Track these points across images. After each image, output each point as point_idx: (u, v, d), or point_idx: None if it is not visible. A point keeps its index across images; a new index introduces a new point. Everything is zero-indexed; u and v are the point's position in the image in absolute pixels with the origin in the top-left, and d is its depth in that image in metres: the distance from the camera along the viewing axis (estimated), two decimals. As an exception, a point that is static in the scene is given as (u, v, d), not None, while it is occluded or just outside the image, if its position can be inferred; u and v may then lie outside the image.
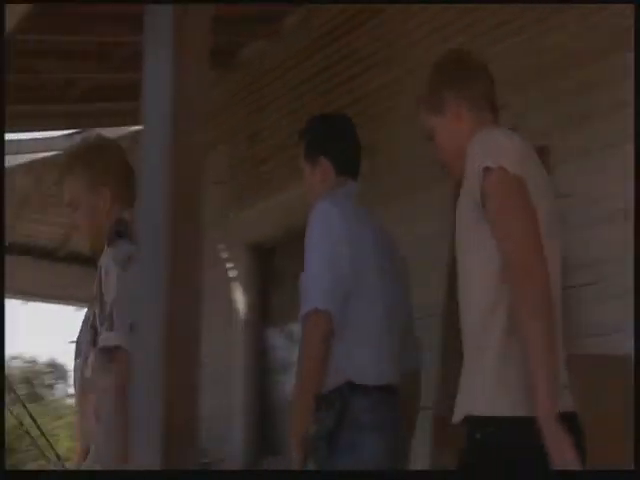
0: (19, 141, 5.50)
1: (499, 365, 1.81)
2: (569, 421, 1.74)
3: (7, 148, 5.56)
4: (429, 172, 2.99)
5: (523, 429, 1.73)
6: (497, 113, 2.09)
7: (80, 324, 2.34)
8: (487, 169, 1.79)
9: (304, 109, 3.95)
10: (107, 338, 2.13)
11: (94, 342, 2.19)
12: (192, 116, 1.52)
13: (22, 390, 19.58)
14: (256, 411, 4.31)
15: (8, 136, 5.30)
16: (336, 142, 2.67)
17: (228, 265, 4.50)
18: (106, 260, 2.20)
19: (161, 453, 1.36)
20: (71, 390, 26.86)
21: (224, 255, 4.55)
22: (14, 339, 20.24)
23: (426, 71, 2.19)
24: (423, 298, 2.85)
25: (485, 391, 1.82)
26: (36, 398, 22.69)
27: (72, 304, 8.22)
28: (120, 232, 2.24)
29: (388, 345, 2.42)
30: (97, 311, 2.20)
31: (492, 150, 1.84)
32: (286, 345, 4.29)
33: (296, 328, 3.86)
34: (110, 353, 2.12)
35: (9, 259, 6.69)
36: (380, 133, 3.61)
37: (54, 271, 7.11)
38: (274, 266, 4.46)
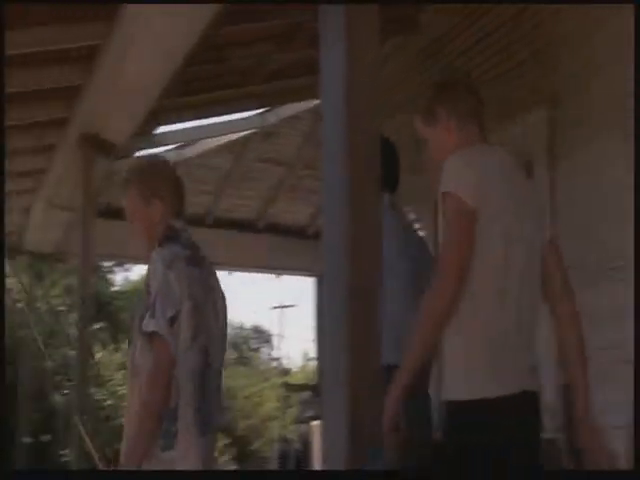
0: (218, 124, 5.93)
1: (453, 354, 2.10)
2: (529, 400, 2.04)
3: (209, 131, 6.06)
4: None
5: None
6: (483, 130, 2.34)
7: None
8: (443, 194, 2.10)
9: (482, 67, 4.02)
10: (147, 324, 2.32)
11: (140, 332, 2.40)
12: (365, 90, 1.68)
13: (232, 355, 20.96)
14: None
15: (210, 120, 5.79)
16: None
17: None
18: (154, 257, 2.44)
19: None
20: (274, 353, 28.19)
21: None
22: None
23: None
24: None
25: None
26: (244, 362, 24.24)
27: (272, 272, 8.72)
28: (168, 236, 2.50)
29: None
30: (145, 303, 2.40)
31: (452, 177, 2.14)
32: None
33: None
34: (150, 338, 2.33)
35: (214, 232, 7.26)
36: (564, 83, 3.62)
37: (254, 241, 7.57)
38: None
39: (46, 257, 8.01)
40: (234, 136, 6.34)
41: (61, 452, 7.32)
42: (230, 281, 17.82)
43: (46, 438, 8.37)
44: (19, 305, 8.40)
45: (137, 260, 10.70)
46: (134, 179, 2.59)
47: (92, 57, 3.60)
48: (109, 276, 17.05)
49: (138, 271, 18.14)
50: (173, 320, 2.30)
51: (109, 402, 9.52)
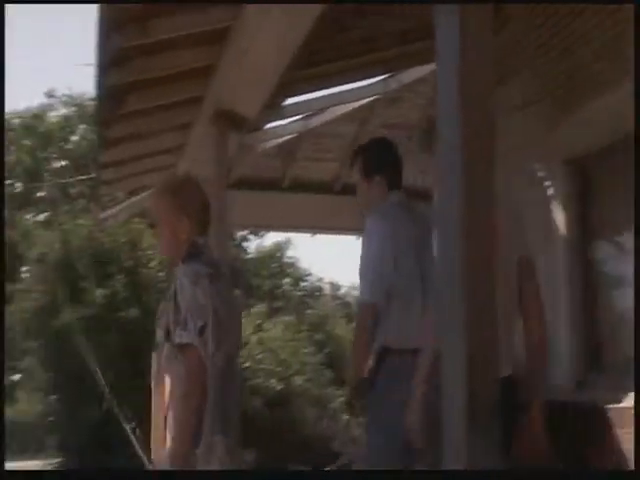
0: (343, 92, 6.03)
1: None
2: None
3: (334, 99, 6.17)
4: None
5: None
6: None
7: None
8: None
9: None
10: (181, 336, 2.57)
11: (168, 339, 2.64)
12: (479, 55, 1.73)
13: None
14: (582, 326, 4.35)
15: (334, 89, 5.90)
16: (388, 163, 3.44)
17: (546, 183, 4.56)
18: (180, 274, 2.67)
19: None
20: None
21: (541, 174, 4.62)
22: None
23: None
24: None
25: None
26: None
27: (350, 233, 8.76)
28: (192, 254, 2.70)
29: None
30: (171, 314, 2.64)
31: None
32: (613, 257, 4.26)
33: (623, 239, 3.92)
34: (183, 349, 2.58)
35: (342, 199, 7.39)
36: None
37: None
38: (592, 180, 4.43)
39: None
40: (358, 103, 6.41)
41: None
42: (313, 243, 17.93)
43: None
44: (160, 274, 8.89)
45: (269, 228, 11.07)
46: (168, 193, 2.79)
47: (223, 38, 3.79)
48: (244, 244, 17.63)
49: (271, 238, 18.68)
50: (202, 330, 2.56)
51: (246, 364, 9.91)
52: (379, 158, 3.46)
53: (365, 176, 3.44)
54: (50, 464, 11.96)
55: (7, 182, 17.00)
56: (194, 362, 2.55)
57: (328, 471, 5.13)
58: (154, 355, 2.78)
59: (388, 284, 3.23)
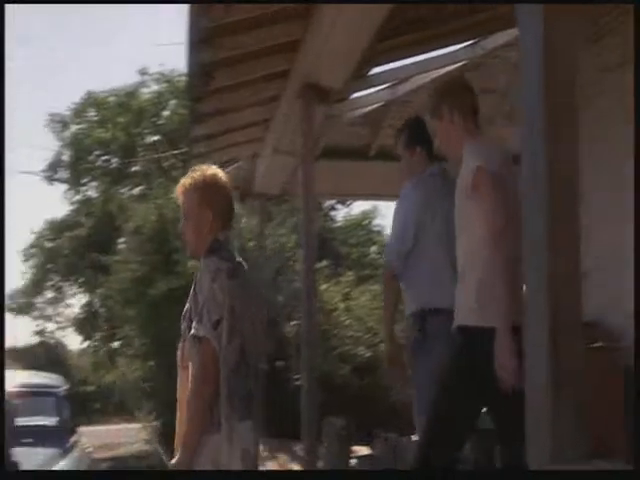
0: (428, 60, 5.99)
1: (477, 291, 2.89)
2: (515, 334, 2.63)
3: (419, 68, 6.15)
4: None
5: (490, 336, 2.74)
6: (478, 121, 3.14)
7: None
8: (475, 170, 2.89)
9: None
10: (197, 328, 2.71)
11: (189, 330, 2.76)
12: (564, 20, 1.74)
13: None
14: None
15: (419, 57, 5.88)
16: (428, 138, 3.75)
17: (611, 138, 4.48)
18: (201, 268, 2.81)
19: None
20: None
21: (609, 129, 4.53)
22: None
23: None
24: None
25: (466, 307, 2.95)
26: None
27: (385, 199, 8.66)
28: (213, 248, 2.82)
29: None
30: (192, 306, 2.78)
31: (476, 158, 2.94)
32: None
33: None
34: (198, 341, 2.71)
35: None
36: None
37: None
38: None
39: (274, 199, 8.59)
40: (444, 70, 6.36)
41: (294, 377, 7.89)
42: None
43: (280, 364, 8.97)
44: (250, 244, 9.08)
45: (357, 197, 11.13)
46: (193, 188, 2.89)
47: (308, 12, 3.85)
48: (331, 213, 17.77)
49: (358, 207, 18.76)
50: (217, 324, 2.70)
51: (334, 332, 10.04)
52: (420, 133, 3.83)
53: (407, 148, 3.82)
54: (148, 426, 12.48)
55: (103, 158, 17.65)
56: (207, 354, 2.70)
57: (329, 471, 5.33)
58: (180, 344, 2.92)
59: (407, 249, 3.61)
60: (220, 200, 2.91)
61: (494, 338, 2.76)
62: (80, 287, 17.56)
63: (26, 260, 19.18)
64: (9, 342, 29.07)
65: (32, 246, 18.64)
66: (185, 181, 2.93)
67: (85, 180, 17.59)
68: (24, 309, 27.40)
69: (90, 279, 16.23)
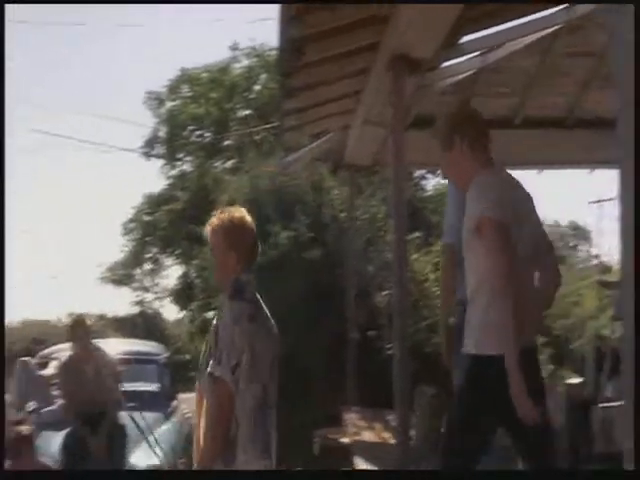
0: (521, 25, 5.85)
1: (483, 321, 3.02)
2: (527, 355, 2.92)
3: (512, 33, 6.02)
4: None
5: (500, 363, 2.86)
6: (489, 152, 3.20)
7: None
8: (480, 217, 2.99)
9: None
10: (214, 368, 2.87)
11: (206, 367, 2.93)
12: None
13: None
14: None
15: (512, 23, 5.76)
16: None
17: None
18: (225, 310, 2.98)
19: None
20: (593, 250, 26.99)
21: None
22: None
23: None
24: None
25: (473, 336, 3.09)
26: (560, 260, 23.77)
27: (584, 167, 8.46)
28: (237, 290, 2.99)
29: None
30: (212, 345, 2.93)
31: (482, 200, 3.02)
32: None
33: None
34: (215, 380, 2.87)
35: (523, 133, 7.25)
36: None
37: (565, 138, 7.35)
38: None
39: (364, 170, 8.61)
40: (537, 35, 6.21)
41: (386, 346, 7.94)
42: (541, 180, 17.40)
43: (372, 334, 9.03)
44: (342, 215, 9.14)
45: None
46: (221, 230, 3.05)
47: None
48: (422, 182, 17.64)
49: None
50: (235, 368, 2.85)
51: (425, 302, 10.02)
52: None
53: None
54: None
55: (197, 133, 18.03)
56: (224, 395, 2.86)
57: (329, 471, 5.36)
58: (197, 379, 3.10)
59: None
60: (244, 242, 3.07)
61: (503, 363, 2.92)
62: (177, 259, 18.09)
63: (126, 234, 19.88)
64: (111, 312, 30.23)
65: (131, 220, 19.29)
66: (213, 221, 3.09)
67: (180, 155, 18.04)
68: (124, 280, 28.41)
69: (186, 251, 16.70)
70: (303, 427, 7.10)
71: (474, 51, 6.23)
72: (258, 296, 3.06)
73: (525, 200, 3.19)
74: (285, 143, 7.79)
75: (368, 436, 6.12)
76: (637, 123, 1.82)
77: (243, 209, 3.19)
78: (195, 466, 3.01)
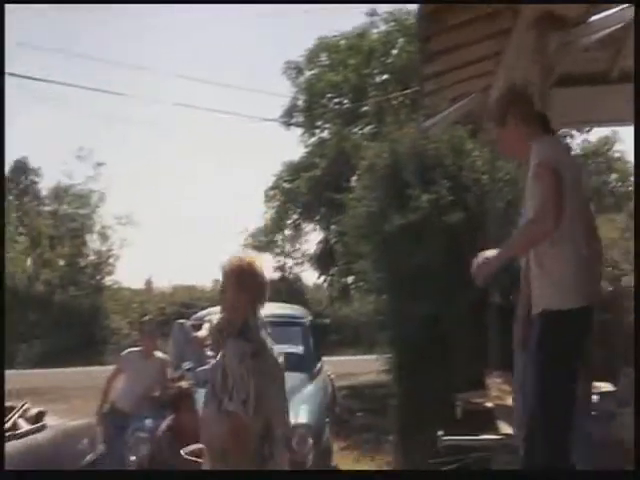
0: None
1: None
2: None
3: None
4: None
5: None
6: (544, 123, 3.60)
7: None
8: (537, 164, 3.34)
9: None
10: (228, 404, 3.26)
11: (213, 396, 3.32)
12: None
13: None
14: None
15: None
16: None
17: None
18: (229, 349, 3.31)
19: None
20: None
21: None
22: None
23: None
24: None
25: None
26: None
27: (626, 124, 7.94)
28: (242, 331, 3.31)
29: None
30: (219, 379, 3.30)
31: (541, 153, 3.37)
32: None
33: None
34: (229, 415, 3.25)
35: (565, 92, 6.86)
36: None
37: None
38: None
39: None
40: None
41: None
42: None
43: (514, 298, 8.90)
44: (483, 177, 9.01)
45: (595, 123, 10.58)
46: (234, 274, 3.39)
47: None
48: (568, 141, 17.05)
49: (596, 134, 17.82)
50: (245, 402, 3.23)
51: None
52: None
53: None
54: (382, 358, 12.96)
55: (335, 100, 18.18)
56: (238, 427, 3.26)
57: (332, 471, 5.25)
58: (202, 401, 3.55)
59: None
60: (256, 288, 3.42)
61: (577, 319, 3.32)
62: (317, 224, 18.43)
63: (267, 201, 20.41)
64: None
65: (272, 188, 19.78)
66: (225, 267, 3.46)
67: (319, 123, 18.26)
68: (266, 247, 29.25)
69: (326, 217, 16.99)
70: (445, 391, 7.16)
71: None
72: (264, 336, 3.41)
73: (579, 168, 3.64)
74: (424, 107, 7.76)
75: (511, 400, 6.09)
76: None
77: (255, 256, 3.62)
78: None
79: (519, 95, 3.72)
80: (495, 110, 3.71)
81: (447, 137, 9.20)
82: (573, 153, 3.90)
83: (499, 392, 6.36)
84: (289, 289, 28.97)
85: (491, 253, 3.52)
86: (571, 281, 3.35)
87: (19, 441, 4.20)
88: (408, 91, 14.33)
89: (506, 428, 5.21)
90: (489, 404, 6.17)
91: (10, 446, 4.13)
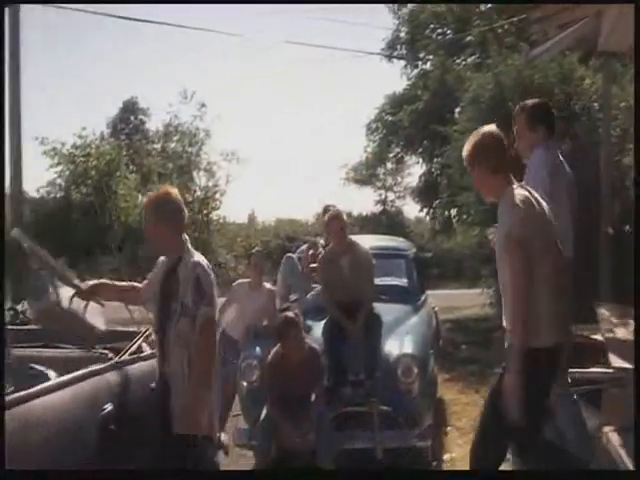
0: None
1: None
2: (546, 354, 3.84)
3: None
4: None
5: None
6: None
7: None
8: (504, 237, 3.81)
9: None
10: (205, 311, 3.79)
11: (183, 312, 3.81)
12: None
13: None
14: None
15: None
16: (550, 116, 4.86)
17: None
18: (200, 265, 3.91)
19: None
20: None
21: None
22: None
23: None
24: None
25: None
26: None
27: None
28: (190, 248, 4.00)
29: None
30: (192, 294, 3.83)
31: (510, 217, 3.84)
32: None
33: None
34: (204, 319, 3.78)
35: None
36: None
37: None
38: None
39: (620, 56, 8.08)
40: None
41: None
42: None
43: (627, 229, 8.67)
44: (595, 105, 8.71)
45: None
46: (158, 210, 3.94)
47: None
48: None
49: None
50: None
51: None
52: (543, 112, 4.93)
53: (529, 126, 4.85)
54: (485, 291, 12.89)
55: (439, 31, 17.75)
56: (213, 334, 3.83)
57: (331, 471, 5.07)
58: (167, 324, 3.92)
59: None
60: (179, 215, 4.02)
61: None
62: (419, 157, 18.28)
63: (369, 134, 20.34)
64: (355, 211, 31.29)
65: (374, 120, 19.67)
66: (146, 206, 4.08)
67: (422, 55, 17.92)
68: (367, 180, 29.20)
69: (429, 149, 16.82)
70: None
71: None
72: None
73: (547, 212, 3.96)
74: (530, 36, 7.51)
75: (622, 333, 5.99)
76: None
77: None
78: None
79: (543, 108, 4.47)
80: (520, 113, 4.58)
81: (555, 65, 8.89)
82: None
83: (609, 324, 6.27)
84: (390, 222, 28.95)
85: (509, 384, 3.75)
86: None
87: (144, 362, 4.48)
88: (514, 19, 13.84)
89: (616, 361, 5.15)
90: (599, 337, 6.09)
91: (137, 368, 4.42)
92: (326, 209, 7.58)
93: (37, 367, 3.78)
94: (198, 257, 3.94)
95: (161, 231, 3.94)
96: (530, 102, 4.99)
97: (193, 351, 3.75)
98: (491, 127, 4.30)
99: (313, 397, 5.88)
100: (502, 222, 3.89)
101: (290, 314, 6.06)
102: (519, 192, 3.91)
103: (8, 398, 3.17)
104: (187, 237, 4.05)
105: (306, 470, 4.85)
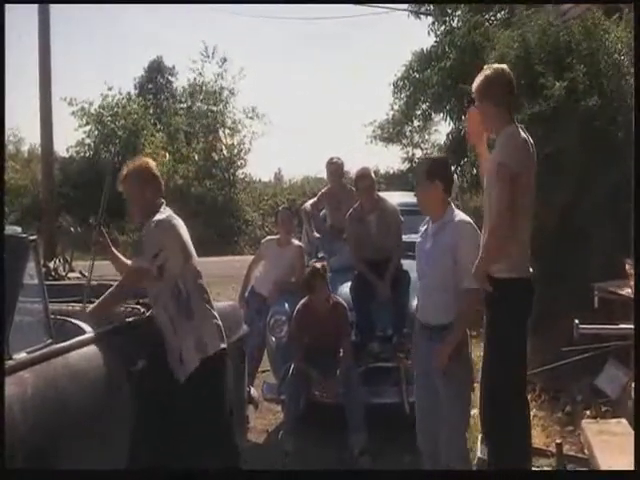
0: None
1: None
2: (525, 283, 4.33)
3: None
4: None
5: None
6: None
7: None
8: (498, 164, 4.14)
9: None
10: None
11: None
12: None
13: None
14: None
15: None
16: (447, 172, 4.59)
17: None
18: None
19: None
20: None
21: None
22: None
23: None
24: None
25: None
26: None
27: None
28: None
29: None
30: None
31: (504, 149, 4.23)
32: None
33: None
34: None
35: None
36: None
37: None
38: None
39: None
40: None
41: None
42: None
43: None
44: (622, 59, 8.53)
45: None
46: (136, 174, 4.21)
47: None
48: None
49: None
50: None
51: None
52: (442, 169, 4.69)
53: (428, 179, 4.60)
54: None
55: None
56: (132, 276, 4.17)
57: (330, 471, 5.03)
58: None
59: None
60: (157, 181, 4.28)
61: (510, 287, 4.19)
62: (447, 115, 18.09)
63: (396, 92, 20.14)
64: (382, 168, 31.15)
65: (402, 78, 19.45)
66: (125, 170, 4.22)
67: (449, 10, 17.62)
68: (394, 138, 28.98)
69: (456, 107, 16.64)
70: (582, 279, 7.10)
71: None
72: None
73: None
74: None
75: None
76: None
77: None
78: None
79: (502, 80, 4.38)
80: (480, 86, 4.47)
81: (580, 20, 8.73)
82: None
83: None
84: (418, 180, 28.69)
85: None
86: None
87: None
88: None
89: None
90: (628, 293, 6.09)
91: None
92: (330, 161, 7.63)
93: (73, 321, 3.87)
94: (160, 215, 4.12)
95: (145, 194, 4.18)
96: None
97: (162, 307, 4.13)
98: (502, 65, 4.54)
99: (341, 352, 5.97)
100: (499, 150, 4.24)
101: (317, 265, 6.11)
102: (519, 131, 4.25)
103: (47, 349, 3.29)
104: (164, 200, 4.25)
105: (306, 470, 4.93)
